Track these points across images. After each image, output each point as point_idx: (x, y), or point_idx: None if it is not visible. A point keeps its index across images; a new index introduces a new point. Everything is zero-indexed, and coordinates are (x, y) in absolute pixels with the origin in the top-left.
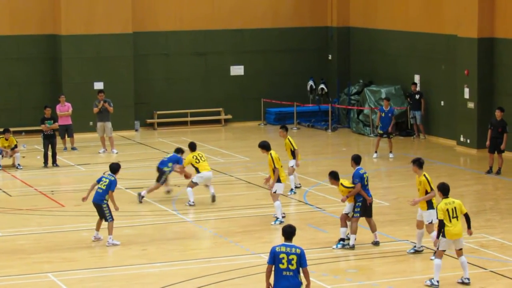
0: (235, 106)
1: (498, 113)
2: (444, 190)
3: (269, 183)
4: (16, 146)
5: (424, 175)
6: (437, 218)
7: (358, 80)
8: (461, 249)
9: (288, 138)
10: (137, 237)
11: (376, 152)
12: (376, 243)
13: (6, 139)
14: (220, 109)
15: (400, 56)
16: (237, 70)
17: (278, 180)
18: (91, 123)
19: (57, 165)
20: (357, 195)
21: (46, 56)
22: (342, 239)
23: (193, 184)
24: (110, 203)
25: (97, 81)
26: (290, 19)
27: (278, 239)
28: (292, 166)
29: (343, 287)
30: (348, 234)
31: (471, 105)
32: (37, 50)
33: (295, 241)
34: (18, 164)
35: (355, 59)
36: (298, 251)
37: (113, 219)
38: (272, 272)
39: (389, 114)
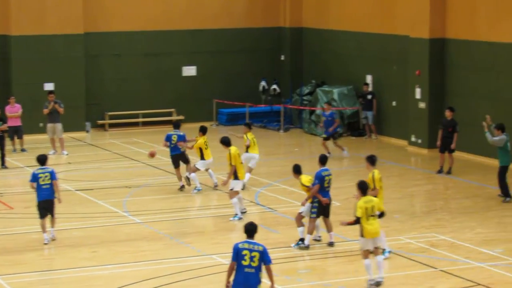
0: (187, 106)
1: (448, 113)
2: (362, 188)
3: (223, 180)
4: None
5: (373, 173)
6: (355, 215)
7: (311, 80)
8: (377, 247)
9: (247, 134)
10: (87, 239)
11: (329, 153)
12: (331, 244)
13: None
14: (172, 109)
15: (353, 56)
16: (189, 70)
17: (236, 177)
18: (41, 124)
19: (6, 167)
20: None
21: None
22: (302, 239)
23: (195, 169)
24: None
25: (47, 82)
26: (243, 19)
27: (230, 240)
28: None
29: None
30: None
31: (422, 105)
32: None
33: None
34: None
35: (308, 60)
36: (260, 248)
37: None
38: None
39: (329, 118)
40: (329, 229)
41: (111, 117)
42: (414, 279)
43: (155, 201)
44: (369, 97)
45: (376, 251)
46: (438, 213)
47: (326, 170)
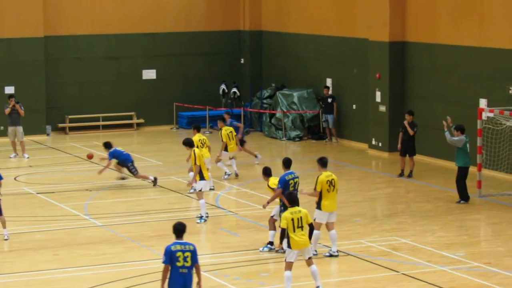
0: (148, 110)
1: (408, 117)
2: (290, 199)
3: (188, 181)
4: None
5: (321, 175)
6: (280, 226)
7: (271, 83)
8: (310, 258)
9: (222, 130)
10: (49, 242)
11: (256, 157)
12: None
13: None
14: (132, 113)
15: (312, 59)
16: (149, 74)
17: (202, 178)
18: (1, 127)
19: None
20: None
21: None
22: (271, 242)
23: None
24: None
25: (7, 85)
26: (203, 23)
27: (192, 242)
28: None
29: None
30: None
31: (382, 108)
32: None
33: (193, 240)
34: None
35: (268, 63)
36: (191, 247)
37: None
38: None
39: (234, 127)
40: None
41: (72, 120)
42: (376, 283)
43: (116, 204)
44: (330, 100)
45: (308, 261)
46: (400, 217)
47: (291, 173)
